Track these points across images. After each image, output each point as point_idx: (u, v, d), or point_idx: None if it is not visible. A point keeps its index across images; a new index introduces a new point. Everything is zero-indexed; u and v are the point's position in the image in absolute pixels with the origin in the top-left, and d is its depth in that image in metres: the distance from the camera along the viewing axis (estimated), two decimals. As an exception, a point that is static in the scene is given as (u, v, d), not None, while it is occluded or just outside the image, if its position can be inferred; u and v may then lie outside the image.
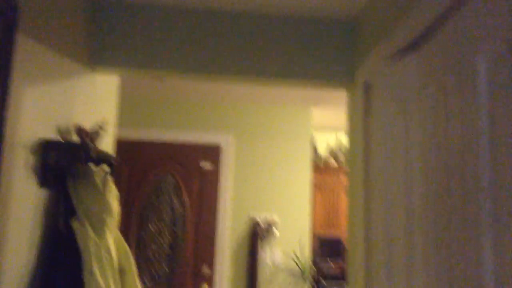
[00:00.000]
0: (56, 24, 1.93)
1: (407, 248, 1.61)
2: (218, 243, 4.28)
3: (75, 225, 1.87)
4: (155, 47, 2.42)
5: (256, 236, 4.29)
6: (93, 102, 2.44)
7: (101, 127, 2.13)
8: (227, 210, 4.32)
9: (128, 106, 4.42)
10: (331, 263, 5.11)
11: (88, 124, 2.28)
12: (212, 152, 4.41)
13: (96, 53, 2.39)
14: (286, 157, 4.48)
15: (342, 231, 5.30)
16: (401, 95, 1.71)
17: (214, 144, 4.42)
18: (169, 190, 4.34)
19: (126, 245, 2.17)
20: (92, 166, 2.06)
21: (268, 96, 4.27)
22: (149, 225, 4.26)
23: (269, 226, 4.35)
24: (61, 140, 1.97)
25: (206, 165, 4.38)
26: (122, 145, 4.33)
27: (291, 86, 2.56)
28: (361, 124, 2.21)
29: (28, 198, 1.75)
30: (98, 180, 1.98)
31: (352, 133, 2.45)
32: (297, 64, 2.47)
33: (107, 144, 2.72)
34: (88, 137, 2.06)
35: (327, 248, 5.14)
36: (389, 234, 1.73)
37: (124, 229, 4.20)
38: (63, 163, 1.88)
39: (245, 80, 2.51)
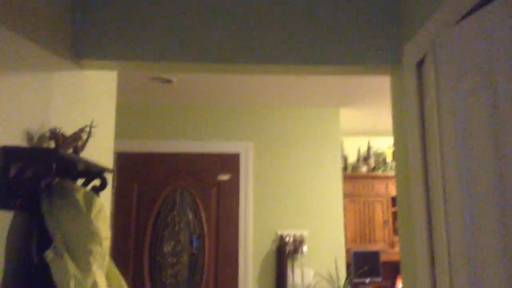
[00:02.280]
0: (23, 9, 1.52)
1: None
2: (241, 263, 3.80)
3: (51, 257, 1.43)
4: (153, 34, 1.98)
5: (283, 254, 3.80)
6: (80, 103, 2.02)
7: (85, 131, 1.70)
8: (249, 226, 3.84)
9: (137, 116, 4.01)
10: (367, 281, 4.57)
11: (73, 129, 1.85)
12: (230, 163, 3.95)
13: (82, 45, 1.96)
14: (313, 164, 3.99)
15: (378, 245, 4.77)
16: (481, 62, 1.23)
17: (232, 153, 3.96)
18: (184, 207, 3.89)
19: (122, 280, 1.71)
20: (72, 181, 1.62)
21: (289, 97, 3.80)
22: (164, 246, 3.81)
23: (298, 243, 3.86)
24: (31, 147, 1.54)
25: (224, 177, 3.93)
26: (130, 158, 3.91)
27: (325, 73, 2.10)
28: (415, 112, 1.73)
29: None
30: (80, 198, 1.54)
31: (399, 126, 1.97)
32: (331, 46, 2.00)
33: (104, 154, 2.29)
34: (68, 143, 1.62)
35: (363, 263, 4.60)
36: (473, 254, 1.24)
37: (136, 253, 3.77)
38: (32, 177, 1.44)
39: (268, 69, 2.06)
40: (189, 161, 3.94)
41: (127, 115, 3.99)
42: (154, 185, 3.88)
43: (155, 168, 3.91)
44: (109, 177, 2.03)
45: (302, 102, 3.95)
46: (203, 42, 1.98)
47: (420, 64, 1.74)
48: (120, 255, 3.74)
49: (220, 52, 1.98)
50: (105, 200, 2.10)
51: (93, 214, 1.54)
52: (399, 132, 1.98)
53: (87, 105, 2.09)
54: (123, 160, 3.88)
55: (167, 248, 3.80)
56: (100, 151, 2.17)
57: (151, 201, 3.86)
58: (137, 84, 3.47)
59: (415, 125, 1.73)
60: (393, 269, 5.01)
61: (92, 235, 1.52)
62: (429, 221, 1.62)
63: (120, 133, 3.96)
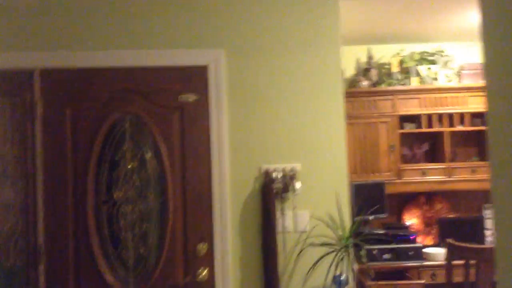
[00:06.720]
0: None
1: None
2: (216, 208, 2.94)
3: None
4: None
5: (270, 194, 2.95)
6: None
7: None
8: (225, 161, 2.95)
9: (63, 16, 2.94)
10: (371, 218, 3.81)
11: None
12: (197, 78, 2.97)
13: None
14: (306, 76, 3.03)
15: (382, 175, 3.96)
16: None
17: (198, 66, 2.96)
18: (137, 140, 2.94)
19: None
20: None
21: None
22: (113, 193, 2.90)
23: (289, 179, 3.00)
24: None
25: (189, 98, 2.96)
26: (59, 76, 2.91)
27: None
28: None
29: None
30: None
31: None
32: None
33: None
34: None
35: (365, 198, 3.81)
36: None
37: (77, 202, 2.87)
38: None
39: None
40: (140, 78, 2.94)
41: (47, 14, 2.91)
42: (94, 112, 2.89)
43: (95, 89, 2.91)
44: None
45: (289, -7, 2.92)
46: None
47: None
48: (56, 206, 2.84)
49: None
50: None
51: None
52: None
53: None
54: (49, 79, 2.87)
55: (117, 195, 2.90)
56: None
57: (92, 133, 2.89)
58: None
59: None
60: (398, 202, 4.26)
61: None
62: None
63: (41, 42, 2.92)
